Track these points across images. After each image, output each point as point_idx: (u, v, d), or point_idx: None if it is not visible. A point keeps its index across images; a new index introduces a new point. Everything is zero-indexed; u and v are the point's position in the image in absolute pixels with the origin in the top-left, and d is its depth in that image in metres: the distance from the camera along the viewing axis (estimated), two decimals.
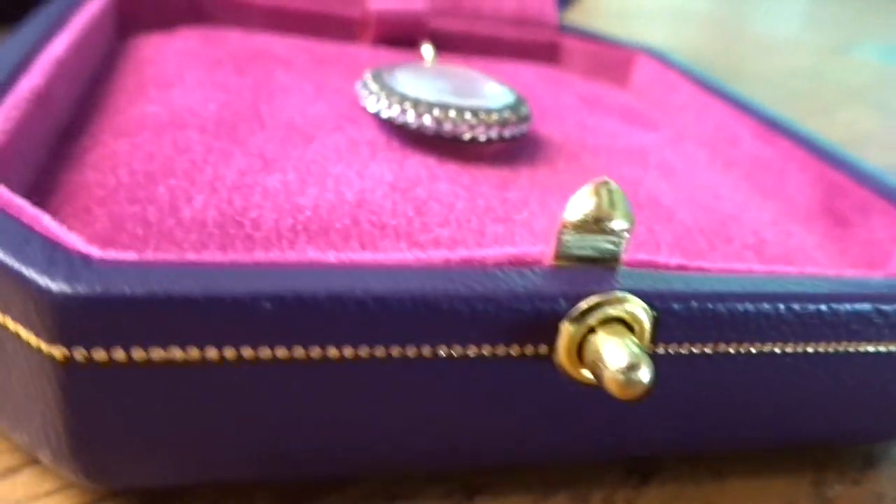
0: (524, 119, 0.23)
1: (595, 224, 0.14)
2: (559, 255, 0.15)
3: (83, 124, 0.21)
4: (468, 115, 0.22)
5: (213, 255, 0.13)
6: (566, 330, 0.14)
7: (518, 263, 0.14)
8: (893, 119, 0.52)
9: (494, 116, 0.22)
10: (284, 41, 0.30)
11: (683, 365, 0.15)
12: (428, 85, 0.23)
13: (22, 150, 0.17)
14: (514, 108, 0.23)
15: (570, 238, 0.14)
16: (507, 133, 0.22)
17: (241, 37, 0.30)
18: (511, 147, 0.24)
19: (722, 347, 0.15)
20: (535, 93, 0.30)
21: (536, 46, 0.37)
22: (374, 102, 0.23)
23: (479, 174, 0.22)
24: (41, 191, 0.17)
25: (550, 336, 0.14)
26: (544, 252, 0.15)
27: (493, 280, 0.13)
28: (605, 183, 0.14)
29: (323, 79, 0.27)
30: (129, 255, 0.12)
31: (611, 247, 0.15)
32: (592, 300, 0.13)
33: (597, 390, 0.14)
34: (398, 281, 0.13)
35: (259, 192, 0.18)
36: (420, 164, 0.21)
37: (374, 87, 0.23)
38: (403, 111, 0.22)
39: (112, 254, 0.12)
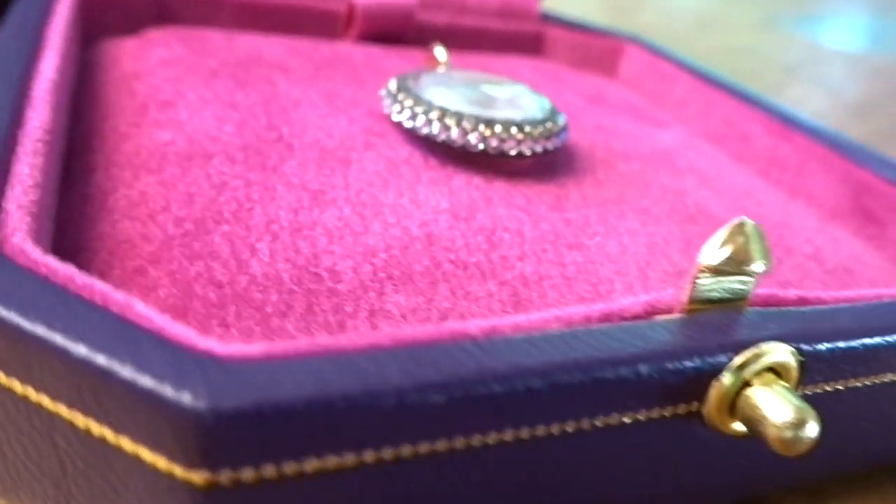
0: (563, 129, 0.22)
1: (734, 267, 0.13)
2: (693, 300, 0.14)
3: (86, 156, 0.18)
4: (514, 130, 0.20)
5: (351, 338, 0.11)
6: (720, 385, 0.13)
7: (653, 312, 0.13)
8: (839, 97, 0.54)
9: (539, 130, 0.21)
10: (270, 42, 0.28)
11: (819, 403, 0.14)
12: (461, 96, 0.22)
13: (47, 201, 0.14)
14: (553, 118, 0.22)
15: (704, 282, 0.13)
16: (549, 146, 0.21)
17: (222, 38, 0.27)
18: (547, 157, 0.23)
19: (852, 382, 0.14)
20: (529, 83, 0.29)
21: (522, 37, 0.35)
22: (409, 118, 0.21)
23: (531, 193, 0.20)
24: (75, 249, 0.15)
25: (701, 392, 0.13)
26: (676, 297, 0.14)
27: (645, 337, 0.12)
28: (743, 224, 0.13)
29: (329, 87, 0.25)
30: (259, 349, 0.10)
31: (742, 287, 0.14)
32: (750, 353, 0.13)
33: (740, 439, 0.13)
34: (559, 351, 0.11)
35: (321, 233, 0.16)
36: (468, 185, 0.20)
37: (406, 100, 0.21)
38: (446, 128, 0.20)
39: (239, 348, 0.10)
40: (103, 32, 0.27)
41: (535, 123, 0.21)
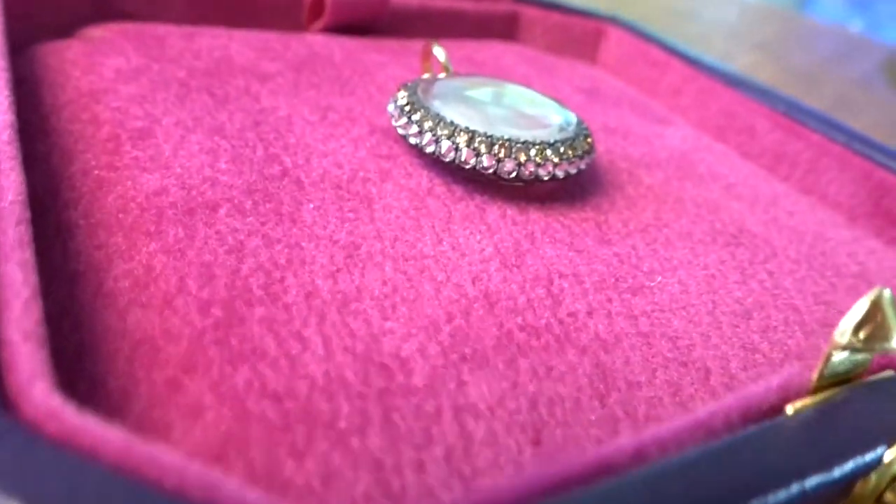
0: (593, 148, 0.20)
1: (872, 344, 0.12)
2: (822, 377, 0.12)
3: (58, 215, 0.15)
4: (549, 153, 0.18)
5: (537, 476, 0.09)
6: (866, 483, 0.11)
7: (787, 398, 0.12)
8: (788, 61, 0.54)
9: (573, 150, 0.19)
10: (234, 39, 0.24)
11: None
12: (484, 113, 0.19)
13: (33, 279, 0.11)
14: (583, 134, 0.20)
15: (836, 359, 0.12)
16: (583, 166, 0.19)
17: (181, 38, 0.23)
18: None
19: None
20: (525, 79, 0.27)
21: (496, 20, 0.33)
22: (432, 142, 0.18)
23: (570, 223, 0.18)
24: (81, 361, 0.12)
25: (845, 493, 0.11)
26: (803, 376, 0.12)
27: (801, 440, 0.11)
28: (880, 298, 0.12)
29: (317, 96, 0.22)
30: None
31: (866, 357, 0.12)
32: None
33: None
34: (722, 474, 0.10)
35: (371, 304, 0.14)
36: (503, 218, 0.18)
37: (425, 122, 0.19)
38: (476, 154, 0.18)
39: None
40: (32, 35, 0.23)
41: (568, 143, 0.19)
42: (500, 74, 0.27)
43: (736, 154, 0.26)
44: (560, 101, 0.21)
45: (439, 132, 0.18)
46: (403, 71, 0.25)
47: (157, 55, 0.22)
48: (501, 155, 0.18)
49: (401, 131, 0.19)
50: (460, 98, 0.20)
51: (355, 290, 0.14)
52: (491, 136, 0.18)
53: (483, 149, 0.18)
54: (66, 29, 0.24)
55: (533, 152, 0.18)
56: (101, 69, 0.20)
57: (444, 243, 0.16)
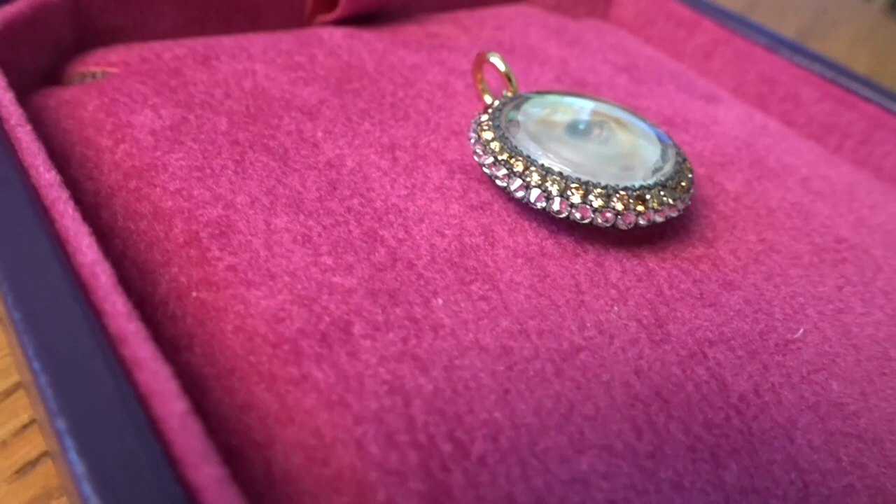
0: (692, 183, 0.18)
1: None
2: None
3: (166, 350, 0.13)
4: (664, 196, 0.17)
5: None
6: None
7: None
8: None
9: (673, 194, 0.17)
10: (253, 59, 0.21)
11: None
12: (575, 148, 0.17)
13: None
14: (684, 165, 0.18)
15: None
16: (682, 208, 0.18)
17: (197, 66, 0.20)
18: None
19: None
20: (562, 63, 0.25)
21: None
22: (542, 198, 0.17)
23: (688, 266, 0.17)
24: None
25: None
26: None
27: None
28: None
29: (374, 131, 0.19)
30: None
31: None
32: None
33: None
34: None
35: (558, 439, 0.13)
36: (626, 275, 0.17)
37: (530, 174, 0.17)
38: (593, 209, 0.16)
39: None
40: (22, 78, 0.19)
41: (669, 184, 0.18)
42: (534, 57, 0.25)
43: (790, 132, 0.25)
44: (650, 122, 0.20)
45: (530, 179, 0.17)
46: (442, 73, 0.23)
47: (185, 98, 0.19)
48: (597, 205, 0.16)
49: (487, 171, 0.17)
50: (548, 130, 0.18)
51: (533, 414, 0.13)
52: (586, 184, 0.17)
53: (576, 198, 0.16)
54: (52, 64, 0.21)
55: (650, 198, 0.17)
56: (132, 132, 0.17)
57: (589, 325, 0.15)
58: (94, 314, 0.11)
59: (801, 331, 0.16)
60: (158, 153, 0.17)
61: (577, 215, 0.17)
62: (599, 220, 0.17)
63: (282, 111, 0.19)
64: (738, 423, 0.14)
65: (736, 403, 0.14)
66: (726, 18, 0.28)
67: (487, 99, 0.21)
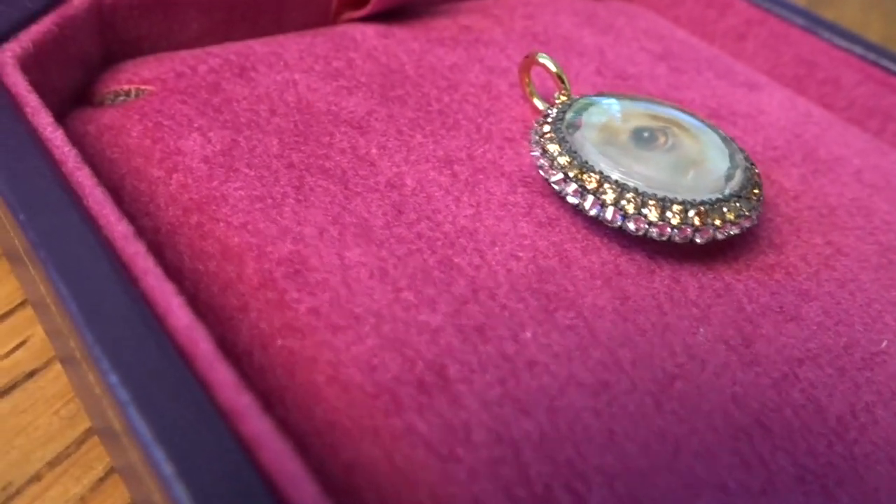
0: (762, 192, 0.18)
1: None
2: None
3: (269, 407, 0.12)
4: (740, 207, 0.17)
5: None
6: None
7: None
8: None
9: (746, 205, 0.17)
10: (290, 67, 0.20)
11: None
12: (645, 161, 0.17)
13: None
14: (753, 180, 0.18)
15: None
16: (755, 216, 0.17)
17: (234, 79, 0.19)
18: None
19: None
20: (599, 53, 0.24)
21: None
22: (596, 206, 0.16)
23: (764, 278, 0.17)
24: None
25: None
26: None
27: None
28: None
29: (428, 144, 0.19)
30: None
31: None
32: None
33: None
34: None
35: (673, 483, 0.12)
36: (705, 291, 0.16)
37: (586, 181, 0.16)
38: (670, 226, 0.16)
39: None
40: (54, 99, 0.18)
41: (748, 191, 0.17)
42: (570, 48, 0.24)
43: (834, 117, 0.25)
44: (708, 123, 0.19)
45: (605, 197, 0.16)
46: (483, 72, 0.22)
47: (230, 118, 0.18)
48: (675, 222, 0.16)
49: (555, 187, 0.17)
50: (613, 139, 0.17)
51: (641, 454, 0.13)
52: (662, 200, 0.16)
53: (654, 216, 0.16)
54: (82, 82, 0.19)
55: (726, 210, 0.16)
56: (183, 161, 0.17)
57: (678, 350, 0.15)
58: (199, 386, 0.11)
59: (885, 343, 0.16)
60: (215, 183, 0.16)
61: (655, 232, 0.16)
62: (677, 238, 0.16)
63: (331, 126, 0.19)
64: (841, 449, 0.14)
65: (835, 427, 0.14)
66: None
67: (538, 104, 0.20)
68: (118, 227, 0.13)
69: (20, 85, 0.16)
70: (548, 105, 0.20)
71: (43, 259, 0.12)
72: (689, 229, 0.16)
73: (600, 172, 0.17)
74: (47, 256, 0.12)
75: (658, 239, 0.16)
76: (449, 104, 0.20)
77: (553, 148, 0.17)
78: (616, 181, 0.16)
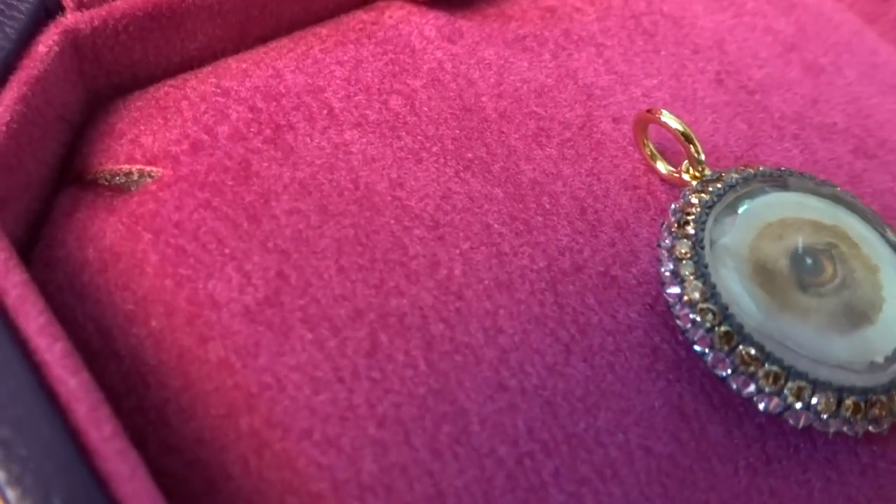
0: None
1: None
2: None
3: None
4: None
5: None
6: None
7: None
8: None
9: None
10: (323, 93, 0.15)
11: None
12: (818, 321, 0.13)
13: None
14: None
15: None
16: None
17: (264, 140, 0.15)
18: None
19: None
20: (718, 45, 0.19)
21: None
22: (778, 405, 0.13)
23: None
24: None
25: None
26: None
27: None
28: None
29: (508, 233, 0.14)
30: None
31: None
32: None
33: None
34: None
35: None
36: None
37: (732, 351, 0.13)
38: (846, 422, 0.13)
39: None
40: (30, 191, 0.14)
41: None
42: (683, 36, 0.19)
43: None
44: (880, 219, 0.15)
45: (790, 401, 0.13)
46: (579, 98, 0.17)
47: (272, 229, 0.14)
48: (825, 417, 0.13)
49: (696, 346, 0.13)
50: (772, 281, 0.13)
51: None
52: (839, 391, 0.13)
53: (822, 408, 0.13)
54: (58, 153, 0.15)
55: (872, 411, 0.13)
56: (219, 321, 0.13)
57: None
58: None
59: None
60: (262, 360, 0.12)
61: (831, 430, 0.13)
62: (848, 433, 0.13)
63: (400, 229, 0.14)
64: None
65: None
66: None
67: (661, 168, 0.16)
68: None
69: None
70: (673, 172, 0.16)
71: None
72: (867, 425, 0.13)
73: (768, 354, 0.13)
74: None
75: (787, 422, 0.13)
76: (542, 165, 0.16)
77: (694, 294, 0.13)
78: (786, 365, 0.13)
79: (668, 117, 0.15)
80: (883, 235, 0.15)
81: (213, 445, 0.12)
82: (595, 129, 0.17)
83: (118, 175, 0.14)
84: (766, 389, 0.13)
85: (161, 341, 0.13)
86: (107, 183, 0.15)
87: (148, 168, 0.14)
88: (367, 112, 0.16)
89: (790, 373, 0.13)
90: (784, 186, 0.15)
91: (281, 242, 0.14)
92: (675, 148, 0.16)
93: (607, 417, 0.13)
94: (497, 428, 0.13)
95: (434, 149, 0.16)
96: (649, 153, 0.16)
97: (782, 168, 0.16)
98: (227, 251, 0.13)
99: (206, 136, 0.15)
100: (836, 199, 0.15)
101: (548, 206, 0.15)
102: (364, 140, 0.15)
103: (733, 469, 0.13)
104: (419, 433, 0.12)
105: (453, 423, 0.12)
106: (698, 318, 0.13)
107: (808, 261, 0.14)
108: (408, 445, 0.12)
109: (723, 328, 0.13)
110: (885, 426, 0.13)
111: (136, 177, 0.14)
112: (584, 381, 0.13)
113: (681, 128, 0.15)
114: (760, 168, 0.15)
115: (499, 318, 0.14)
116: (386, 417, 0.12)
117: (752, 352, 0.13)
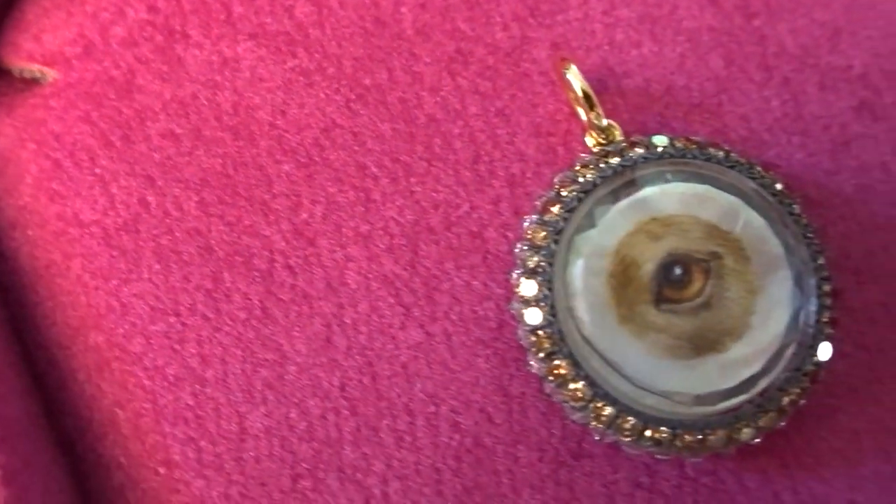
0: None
1: None
2: None
3: None
4: (745, 432, 0.12)
5: None
6: None
7: None
8: None
9: (789, 397, 0.12)
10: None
11: None
12: (665, 344, 0.12)
13: None
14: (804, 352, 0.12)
15: None
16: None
17: (155, 48, 0.14)
18: None
19: None
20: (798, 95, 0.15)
21: None
22: (574, 415, 0.12)
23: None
24: None
25: None
26: None
27: None
28: None
29: (384, 179, 0.14)
30: None
31: None
32: None
33: None
34: None
35: None
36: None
37: (568, 378, 0.12)
38: (682, 449, 0.12)
39: None
40: None
41: (786, 382, 0.12)
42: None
43: None
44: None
45: (591, 413, 0.12)
46: (514, 21, 0.15)
47: (144, 151, 0.14)
48: (627, 440, 0.12)
49: (521, 341, 0.13)
50: (625, 293, 0.12)
51: None
52: (673, 425, 0.12)
53: (598, 425, 0.12)
54: None
55: (676, 444, 0.12)
56: (81, 242, 0.14)
57: None
58: None
59: None
60: (113, 283, 0.14)
61: (663, 458, 0.13)
62: (691, 459, 0.13)
63: (272, 163, 0.14)
64: None
65: None
66: None
67: (582, 115, 0.14)
68: None
69: None
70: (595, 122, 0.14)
71: None
72: (674, 452, 0.12)
73: (593, 382, 0.12)
74: None
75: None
76: (447, 98, 0.15)
77: (534, 318, 0.12)
78: (586, 377, 0.12)
79: (573, 75, 0.13)
80: (787, 246, 0.13)
81: (67, 352, 0.14)
82: (525, 57, 0.15)
83: (25, 70, 0.15)
84: (571, 404, 0.12)
85: (35, 250, 0.14)
86: (18, 75, 0.15)
87: (46, 69, 0.15)
88: (268, 20, 0.15)
89: (596, 394, 0.12)
90: (694, 175, 0.13)
91: (149, 167, 0.14)
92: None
93: (425, 387, 0.13)
94: (312, 381, 0.13)
95: (330, 70, 0.15)
96: (573, 97, 0.14)
97: (716, 144, 0.13)
98: (97, 171, 0.14)
99: (98, 39, 0.15)
100: (758, 196, 0.13)
101: (437, 149, 0.14)
102: (255, 55, 0.15)
103: (538, 458, 0.13)
104: (237, 375, 0.13)
105: (271, 369, 0.13)
106: (525, 316, 0.13)
107: (678, 271, 0.12)
108: (224, 384, 0.13)
109: (546, 331, 0.12)
110: (699, 457, 0.13)
111: (38, 75, 0.15)
112: (413, 347, 0.14)
113: (579, 89, 0.13)
114: (685, 141, 0.13)
115: (346, 271, 0.14)
116: (212, 356, 0.13)
117: (563, 370, 0.12)
